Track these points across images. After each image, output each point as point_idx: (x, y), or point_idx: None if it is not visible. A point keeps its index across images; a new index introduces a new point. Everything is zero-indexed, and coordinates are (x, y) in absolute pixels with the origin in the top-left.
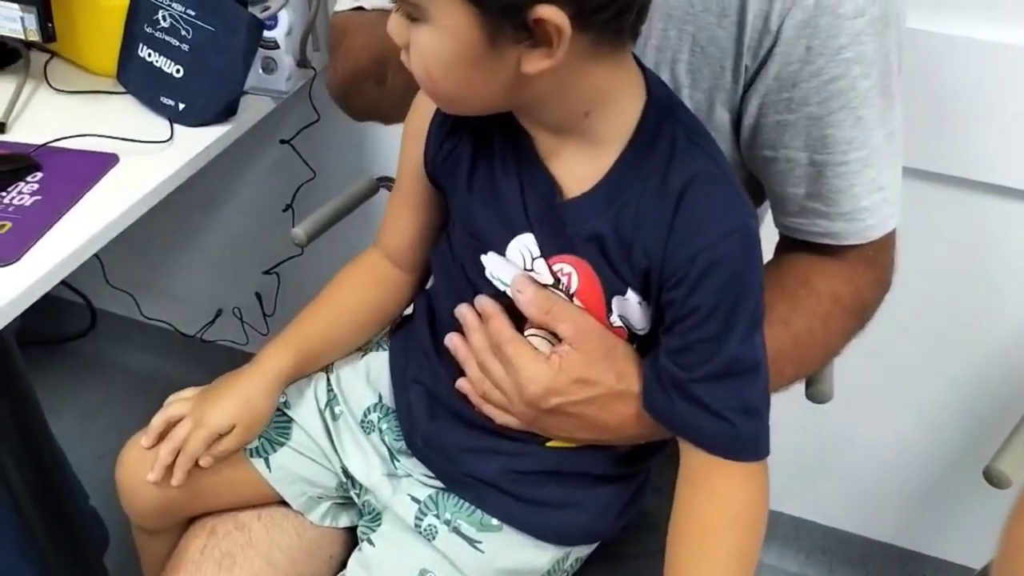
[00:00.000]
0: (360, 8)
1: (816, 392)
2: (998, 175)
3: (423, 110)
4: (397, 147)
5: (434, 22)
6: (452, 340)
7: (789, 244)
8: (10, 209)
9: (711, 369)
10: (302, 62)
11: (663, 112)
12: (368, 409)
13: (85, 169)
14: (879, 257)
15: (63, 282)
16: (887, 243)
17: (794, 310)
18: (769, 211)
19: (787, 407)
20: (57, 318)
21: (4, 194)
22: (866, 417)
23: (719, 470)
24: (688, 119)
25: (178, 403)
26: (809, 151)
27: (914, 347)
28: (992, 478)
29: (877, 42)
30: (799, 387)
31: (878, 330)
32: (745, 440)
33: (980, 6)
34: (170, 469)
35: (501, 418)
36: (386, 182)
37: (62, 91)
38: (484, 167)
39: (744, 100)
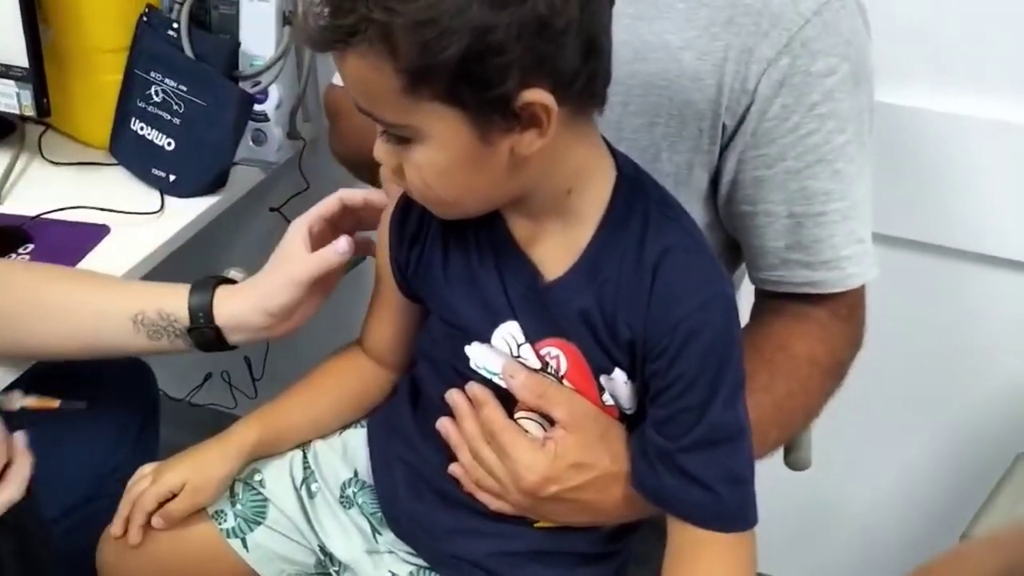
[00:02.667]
0: None
1: (795, 460)
2: (972, 242)
3: (387, 228)
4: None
5: (425, 138)
6: (443, 425)
7: (764, 307)
8: None
9: (695, 437)
10: (292, 134)
11: (633, 186)
12: (344, 484)
13: (76, 240)
14: (852, 315)
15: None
16: (859, 300)
17: (774, 375)
18: (745, 276)
19: (770, 474)
20: None
21: None
22: (847, 481)
23: (705, 541)
24: (658, 193)
25: (143, 477)
26: (788, 204)
27: (891, 412)
28: None
29: (850, 100)
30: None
31: (855, 395)
32: (731, 510)
33: (950, 81)
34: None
35: (495, 504)
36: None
37: (56, 163)
38: (459, 259)
39: (722, 158)
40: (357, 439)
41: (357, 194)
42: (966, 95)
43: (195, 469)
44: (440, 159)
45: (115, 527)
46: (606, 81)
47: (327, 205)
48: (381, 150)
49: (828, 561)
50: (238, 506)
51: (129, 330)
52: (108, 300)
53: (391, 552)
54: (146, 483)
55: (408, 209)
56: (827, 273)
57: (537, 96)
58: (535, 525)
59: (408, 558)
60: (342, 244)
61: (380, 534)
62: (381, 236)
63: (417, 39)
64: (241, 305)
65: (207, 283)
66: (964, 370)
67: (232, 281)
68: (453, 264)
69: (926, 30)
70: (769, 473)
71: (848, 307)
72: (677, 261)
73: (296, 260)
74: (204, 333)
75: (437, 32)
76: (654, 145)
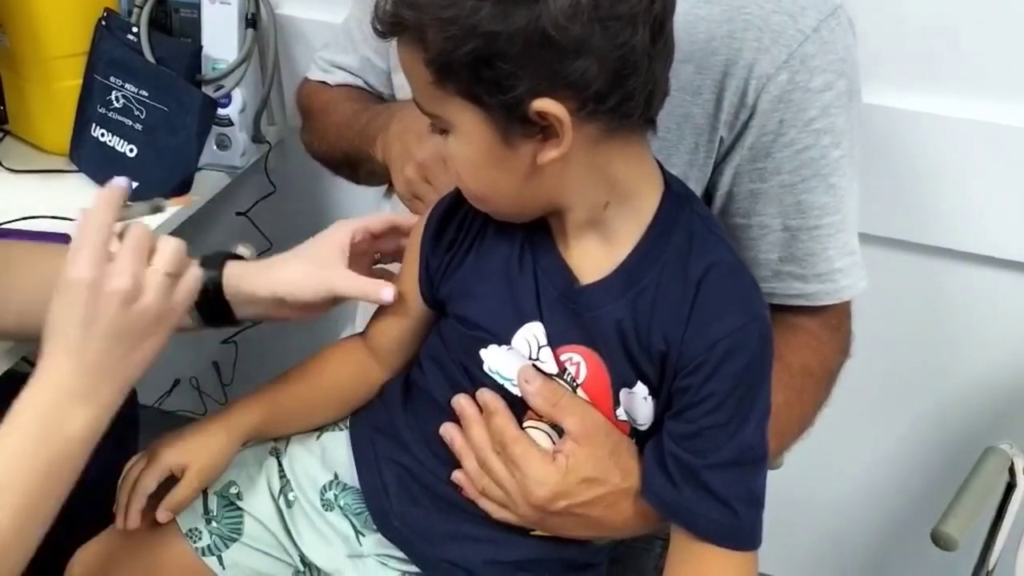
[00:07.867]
0: (324, 83)
1: None
2: (945, 239)
3: (420, 233)
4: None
5: (456, 130)
6: (448, 431)
7: None
8: None
9: (724, 456)
10: (257, 137)
11: (680, 203)
12: (324, 488)
13: None
14: (842, 324)
15: (23, 358)
16: (847, 310)
17: (771, 387)
18: None
19: None
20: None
21: None
22: (818, 475)
23: (712, 558)
24: (703, 210)
25: (137, 460)
26: (782, 217)
27: (862, 406)
28: (939, 541)
29: (845, 115)
30: None
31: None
32: (745, 530)
33: (932, 81)
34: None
35: (498, 513)
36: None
37: (15, 171)
38: (499, 258)
39: (717, 171)
40: (336, 441)
41: (403, 219)
42: (947, 95)
43: (198, 450)
44: (467, 152)
45: (117, 520)
46: (650, 103)
47: (378, 221)
48: (435, 140)
49: (799, 554)
50: (213, 523)
51: None
52: None
53: (373, 556)
54: (141, 464)
55: (448, 216)
56: (820, 285)
57: (548, 106)
58: (532, 533)
59: (392, 563)
60: (388, 294)
61: (363, 535)
62: (412, 239)
63: (441, 35)
64: (258, 286)
65: (215, 259)
66: (934, 364)
67: (240, 257)
68: (490, 262)
69: (908, 31)
70: None
71: (838, 317)
72: (722, 278)
73: (338, 272)
74: (213, 308)
75: (455, 31)
76: None
